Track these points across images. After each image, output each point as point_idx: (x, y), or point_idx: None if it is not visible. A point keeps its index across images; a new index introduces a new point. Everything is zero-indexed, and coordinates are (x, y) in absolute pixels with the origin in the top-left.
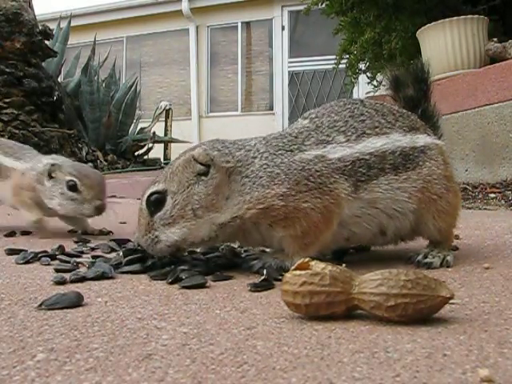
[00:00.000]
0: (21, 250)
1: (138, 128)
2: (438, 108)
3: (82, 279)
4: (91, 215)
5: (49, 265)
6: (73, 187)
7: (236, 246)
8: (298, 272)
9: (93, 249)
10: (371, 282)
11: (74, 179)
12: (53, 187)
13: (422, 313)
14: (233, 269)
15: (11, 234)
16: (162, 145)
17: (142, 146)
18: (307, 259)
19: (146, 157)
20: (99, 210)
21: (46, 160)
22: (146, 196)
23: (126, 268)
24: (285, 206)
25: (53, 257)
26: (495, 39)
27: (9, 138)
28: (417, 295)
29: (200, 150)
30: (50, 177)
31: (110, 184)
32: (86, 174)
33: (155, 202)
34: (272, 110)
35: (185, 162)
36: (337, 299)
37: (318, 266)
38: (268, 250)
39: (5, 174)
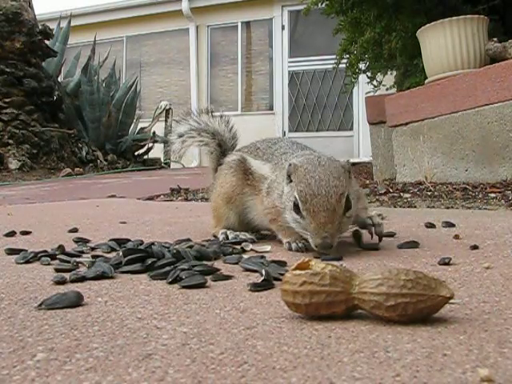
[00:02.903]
0: (21, 250)
1: (138, 128)
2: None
3: (82, 279)
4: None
5: (49, 264)
6: (296, 207)
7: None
8: (297, 272)
9: (93, 248)
10: (371, 282)
11: (297, 197)
12: (287, 195)
13: (422, 312)
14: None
15: (11, 233)
16: (162, 144)
17: (142, 146)
18: (307, 259)
19: (145, 157)
20: (323, 247)
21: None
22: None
23: (126, 268)
24: None
25: (53, 256)
26: (495, 39)
27: (9, 138)
28: (417, 295)
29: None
30: (290, 180)
31: (110, 184)
32: (314, 191)
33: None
34: (272, 109)
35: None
36: (337, 299)
37: (318, 265)
38: None
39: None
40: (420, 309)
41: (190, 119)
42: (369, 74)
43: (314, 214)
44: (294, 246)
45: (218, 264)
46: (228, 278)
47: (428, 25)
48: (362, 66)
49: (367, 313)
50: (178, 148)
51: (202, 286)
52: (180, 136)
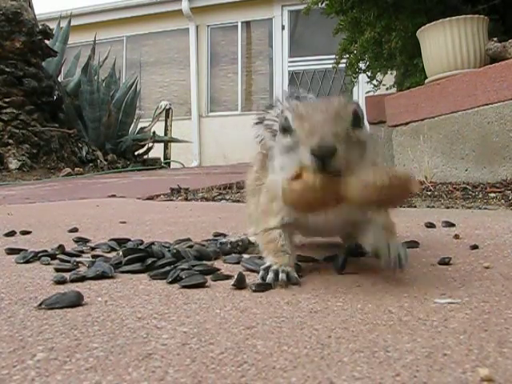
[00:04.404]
0: (21, 250)
1: (138, 127)
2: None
3: (82, 279)
4: None
5: (49, 264)
6: (284, 130)
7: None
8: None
9: (93, 248)
10: (354, 180)
11: (287, 114)
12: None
13: (394, 195)
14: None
15: (11, 233)
16: (162, 144)
17: (142, 146)
18: (300, 171)
19: (145, 156)
20: (322, 150)
21: None
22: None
23: (126, 267)
24: None
25: (53, 256)
26: (495, 39)
27: (8, 138)
28: (386, 179)
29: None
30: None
31: (110, 184)
32: (312, 106)
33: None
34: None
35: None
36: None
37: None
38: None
39: None
40: (392, 193)
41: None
42: (369, 73)
43: (309, 116)
44: (270, 275)
45: (218, 264)
46: (228, 277)
47: (428, 24)
48: (361, 65)
49: (353, 202)
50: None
51: (201, 285)
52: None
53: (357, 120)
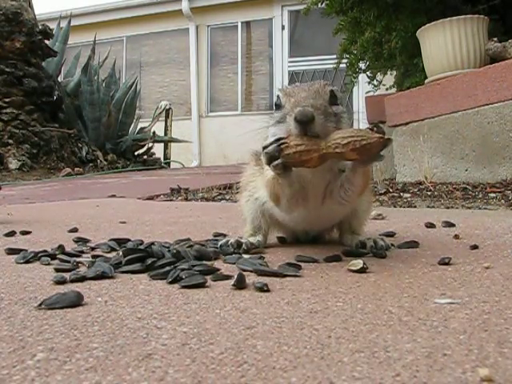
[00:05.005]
0: (21, 250)
1: (138, 128)
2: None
3: (82, 279)
4: None
5: (49, 264)
6: (277, 106)
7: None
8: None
9: (93, 248)
10: (332, 138)
11: (279, 94)
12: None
13: (366, 147)
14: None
15: (11, 233)
16: (162, 144)
17: (142, 146)
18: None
19: (145, 156)
20: (302, 115)
21: None
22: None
23: (126, 267)
24: None
25: (53, 256)
26: (495, 39)
27: (9, 138)
28: (361, 136)
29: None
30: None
31: (110, 184)
32: (298, 86)
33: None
34: (272, 109)
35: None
36: (312, 148)
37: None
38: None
39: None
40: (364, 144)
41: None
42: (369, 73)
43: (295, 93)
44: (231, 240)
45: (217, 264)
46: (228, 277)
47: (428, 24)
48: (362, 65)
49: (333, 156)
50: None
51: (201, 285)
52: None
53: (333, 98)
